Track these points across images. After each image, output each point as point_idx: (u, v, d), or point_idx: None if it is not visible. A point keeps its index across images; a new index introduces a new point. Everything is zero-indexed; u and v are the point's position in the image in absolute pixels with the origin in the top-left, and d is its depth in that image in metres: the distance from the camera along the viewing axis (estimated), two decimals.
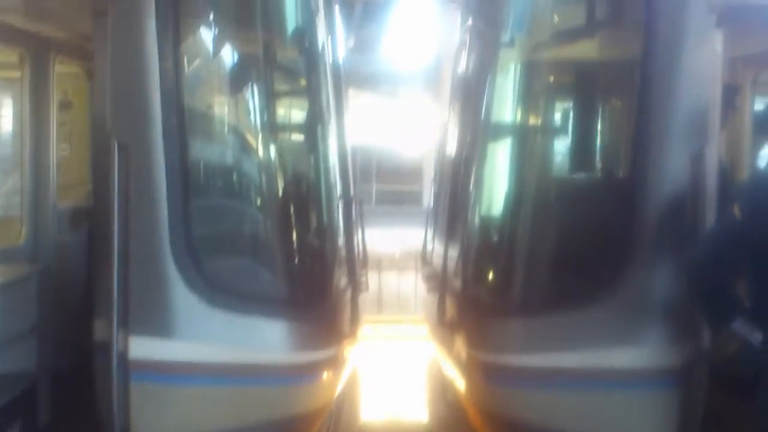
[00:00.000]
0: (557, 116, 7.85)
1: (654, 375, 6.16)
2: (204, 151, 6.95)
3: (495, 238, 7.44)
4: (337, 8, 8.11)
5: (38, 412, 7.47)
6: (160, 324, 6.09)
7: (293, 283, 6.80)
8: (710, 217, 6.11)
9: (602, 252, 6.46)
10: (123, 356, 6.07)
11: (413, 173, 27.94)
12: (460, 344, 7.08)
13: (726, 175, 6.95)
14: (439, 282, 7.87)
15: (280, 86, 7.65)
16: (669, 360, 6.13)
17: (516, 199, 7.19)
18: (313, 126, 7.50)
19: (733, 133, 8.46)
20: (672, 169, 6.11)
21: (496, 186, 7.56)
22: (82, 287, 7.51)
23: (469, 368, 6.84)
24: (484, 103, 7.31)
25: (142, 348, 6.08)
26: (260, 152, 7.11)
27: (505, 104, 7.57)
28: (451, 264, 7.53)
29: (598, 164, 7.58)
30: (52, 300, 7.56)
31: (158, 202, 6.13)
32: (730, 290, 5.57)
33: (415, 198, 26.92)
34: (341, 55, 8.36)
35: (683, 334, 6.10)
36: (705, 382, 6.11)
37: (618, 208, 6.45)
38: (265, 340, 6.30)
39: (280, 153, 7.21)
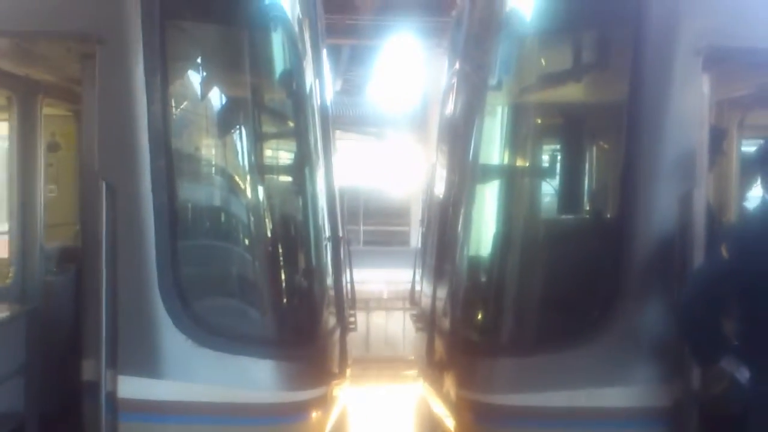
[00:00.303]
0: (545, 158, 7.88)
1: (643, 414, 6.16)
2: (192, 193, 6.97)
3: (484, 278, 7.44)
4: (324, 52, 8.15)
5: None
6: (148, 364, 6.08)
7: (282, 323, 6.81)
8: (698, 258, 6.13)
9: (591, 293, 6.48)
10: (111, 396, 6.06)
11: (400, 214, 27.97)
12: (449, 384, 7.07)
13: (713, 217, 6.99)
14: (428, 322, 7.86)
15: (268, 128, 7.67)
16: (658, 399, 6.13)
17: (504, 240, 7.19)
18: (301, 168, 7.51)
19: (721, 176, 8.52)
20: (660, 211, 6.15)
21: (484, 227, 7.58)
22: (70, 327, 7.49)
23: (458, 408, 6.83)
24: (472, 145, 7.34)
25: (130, 387, 6.07)
26: (248, 194, 7.12)
27: (493, 146, 7.60)
28: (440, 304, 7.54)
29: (586, 206, 7.61)
30: (40, 340, 7.53)
31: (146, 243, 6.14)
32: (717, 328, 5.60)
33: (403, 238, 26.92)
34: (329, 97, 8.39)
35: (672, 374, 6.11)
36: (694, 421, 6.11)
37: (606, 250, 6.48)
38: (253, 379, 6.28)
39: (268, 194, 7.22)
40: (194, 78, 7.15)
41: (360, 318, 8.78)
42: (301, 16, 7.48)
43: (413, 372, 9.47)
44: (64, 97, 8.44)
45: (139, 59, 6.16)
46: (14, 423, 7.23)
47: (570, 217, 7.52)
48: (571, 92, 7.33)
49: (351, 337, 7.73)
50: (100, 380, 6.07)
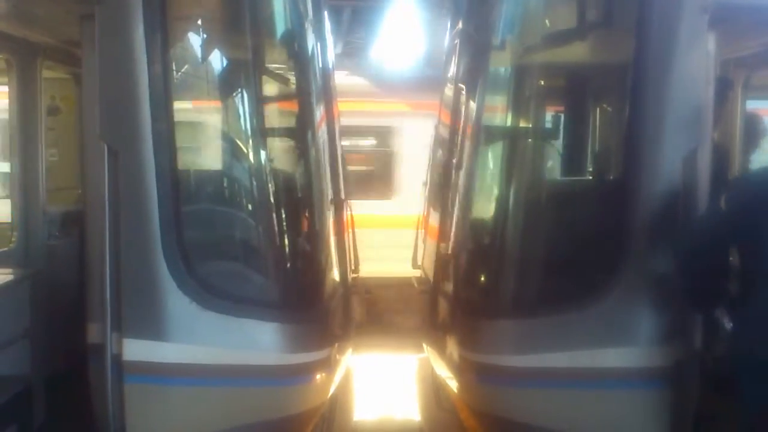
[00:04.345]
0: (549, 119, 7.84)
1: (645, 374, 6.17)
2: (194, 155, 6.94)
3: (486, 240, 7.43)
4: (326, 13, 8.09)
5: (33, 414, 7.48)
6: (153, 326, 6.08)
7: (285, 286, 6.81)
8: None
9: (594, 253, 6.47)
10: (117, 358, 6.08)
11: None
12: (452, 345, 7.08)
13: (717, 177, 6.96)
14: (431, 284, 7.87)
15: (270, 91, 7.64)
16: (660, 360, 6.15)
17: (507, 202, 7.17)
18: (303, 130, 7.48)
19: (725, 135, 8.48)
20: (664, 171, 6.11)
21: (487, 189, 7.56)
22: (74, 290, 7.50)
23: (461, 368, 6.85)
24: (475, 106, 7.31)
25: (135, 350, 6.07)
26: (251, 156, 7.09)
27: (496, 107, 7.56)
28: (444, 266, 7.53)
29: (590, 167, 7.58)
30: (44, 303, 7.56)
31: (149, 206, 6.11)
32: (715, 280, 5.63)
33: None
34: (330, 59, 8.35)
35: (674, 334, 6.12)
36: (697, 381, 6.13)
37: (610, 210, 6.47)
38: (257, 341, 6.29)
39: (271, 157, 7.19)
40: (195, 39, 7.11)
41: None
42: None
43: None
44: (63, 60, 8.39)
45: (140, 20, 6.07)
46: (20, 385, 7.29)
47: (574, 177, 7.50)
48: (576, 51, 7.27)
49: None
50: (105, 343, 6.08)
